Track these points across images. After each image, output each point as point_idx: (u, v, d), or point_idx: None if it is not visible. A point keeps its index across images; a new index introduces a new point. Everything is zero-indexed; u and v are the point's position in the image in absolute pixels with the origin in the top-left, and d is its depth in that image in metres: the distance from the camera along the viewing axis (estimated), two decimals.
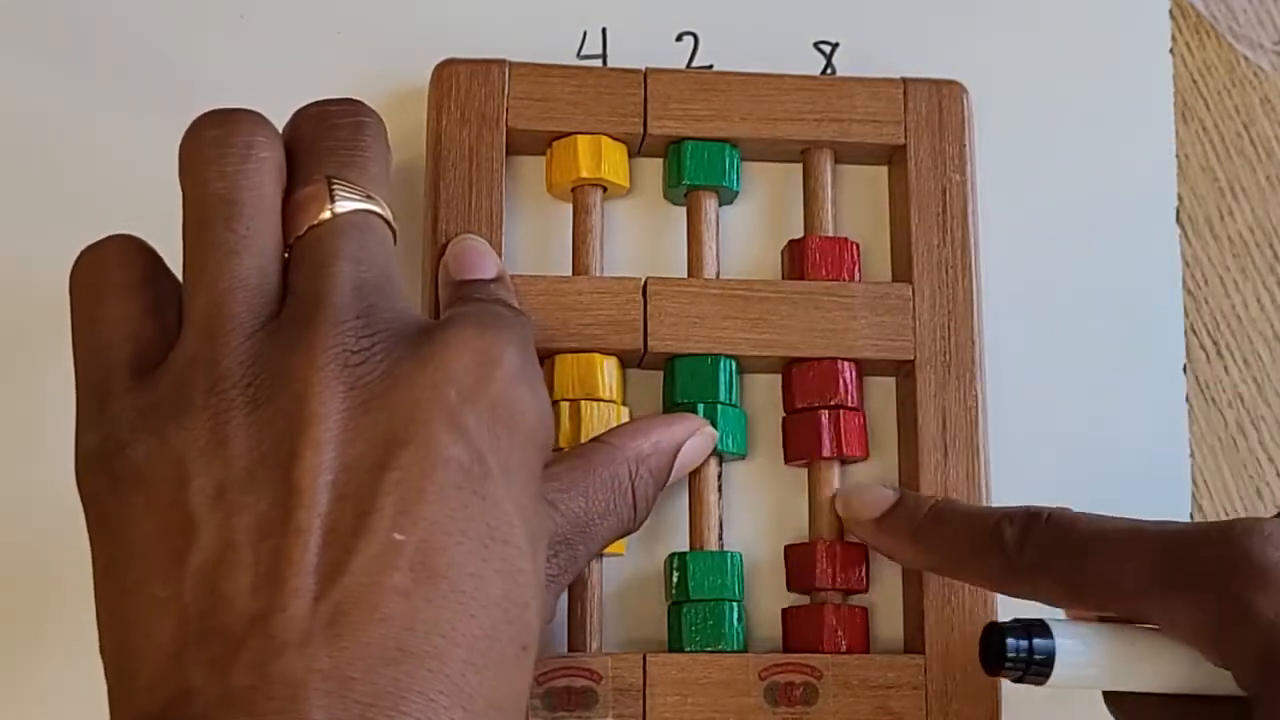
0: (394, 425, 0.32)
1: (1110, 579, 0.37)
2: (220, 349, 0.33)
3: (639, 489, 0.41)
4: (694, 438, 0.43)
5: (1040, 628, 0.36)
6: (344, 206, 0.35)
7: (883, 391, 0.47)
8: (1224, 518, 0.48)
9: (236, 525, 0.31)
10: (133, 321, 0.35)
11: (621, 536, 0.41)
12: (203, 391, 0.32)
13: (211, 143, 0.35)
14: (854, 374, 0.46)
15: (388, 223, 0.37)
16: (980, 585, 0.43)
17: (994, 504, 0.45)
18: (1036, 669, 0.36)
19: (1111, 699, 0.39)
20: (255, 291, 0.34)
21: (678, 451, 0.43)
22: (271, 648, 0.30)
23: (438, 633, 0.31)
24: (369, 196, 0.36)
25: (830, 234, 0.47)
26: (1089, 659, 0.37)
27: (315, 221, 0.35)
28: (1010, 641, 0.36)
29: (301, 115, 0.38)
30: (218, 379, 0.32)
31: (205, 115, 0.36)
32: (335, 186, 0.36)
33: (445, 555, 0.32)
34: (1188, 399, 0.49)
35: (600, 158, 0.46)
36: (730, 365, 0.45)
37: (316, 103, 0.38)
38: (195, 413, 0.32)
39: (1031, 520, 0.38)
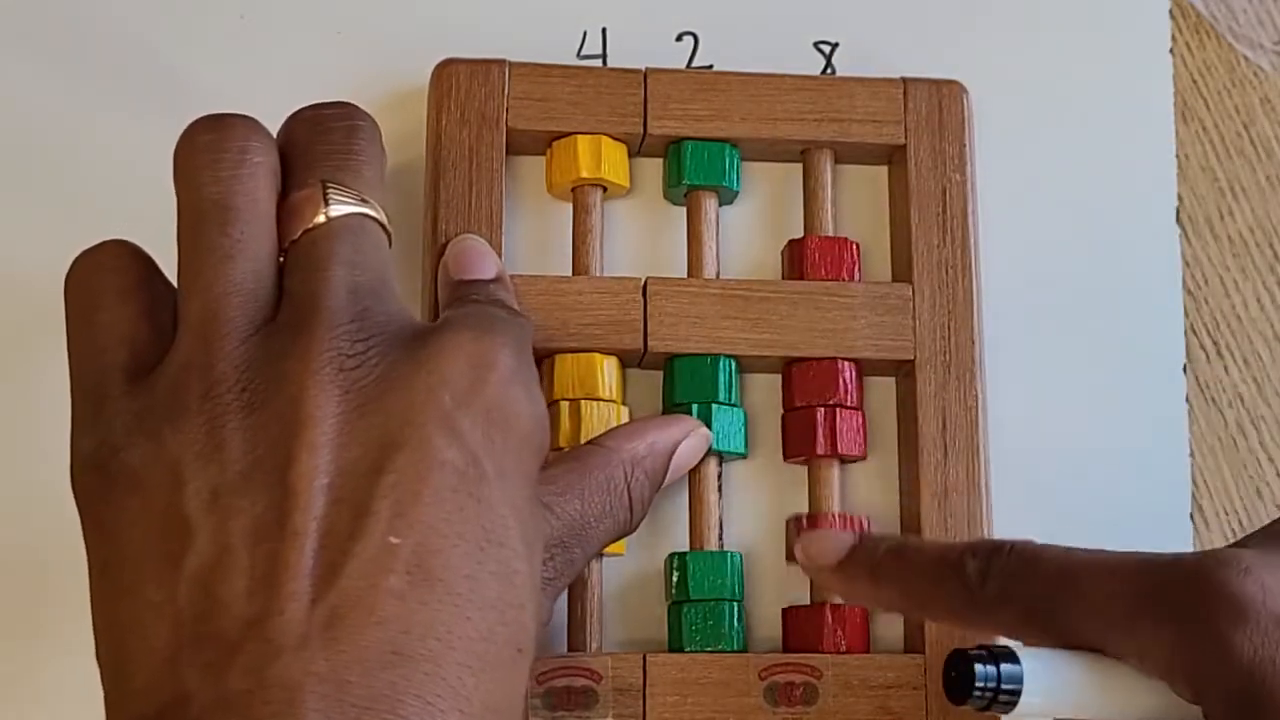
0: (389, 429, 0.32)
1: (1080, 611, 0.35)
2: (215, 353, 0.33)
3: (635, 491, 0.41)
4: (689, 439, 0.43)
5: (1007, 654, 0.35)
6: (338, 210, 0.35)
7: (883, 391, 0.47)
8: (1224, 518, 0.48)
9: (232, 529, 0.31)
10: (128, 326, 0.35)
11: (618, 539, 0.41)
12: (198, 396, 0.32)
13: (206, 148, 0.35)
14: (854, 373, 0.46)
15: (382, 226, 0.37)
16: (941, 620, 0.41)
17: (994, 505, 0.45)
18: (1005, 697, 0.35)
19: None
20: (250, 296, 0.34)
21: (673, 453, 0.43)
22: (268, 651, 0.30)
23: (434, 635, 0.31)
24: (363, 200, 0.36)
25: (830, 234, 0.47)
26: (1056, 687, 0.35)
27: (310, 225, 0.35)
28: (979, 669, 0.34)
29: (295, 120, 0.38)
30: (213, 383, 0.32)
31: (199, 121, 0.36)
32: (330, 190, 0.36)
33: (441, 558, 0.31)
34: (1188, 399, 0.49)
35: (600, 158, 0.46)
36: (730, 365, 0.45)
37: (310, 107, 0.38)
38: (190, 417, 0.32)
39: (995, 552, 0.37)
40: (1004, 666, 0.35)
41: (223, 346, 0.33)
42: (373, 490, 0.31)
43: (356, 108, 0.38)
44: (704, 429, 0.44)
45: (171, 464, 0.32)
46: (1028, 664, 0.35)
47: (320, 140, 0.37)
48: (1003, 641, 0.37)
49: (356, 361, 0.33)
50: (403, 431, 0.32)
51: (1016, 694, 0.35)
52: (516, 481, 0.34)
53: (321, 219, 0.35)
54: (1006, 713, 0.35)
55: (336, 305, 0.34)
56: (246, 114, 0.36)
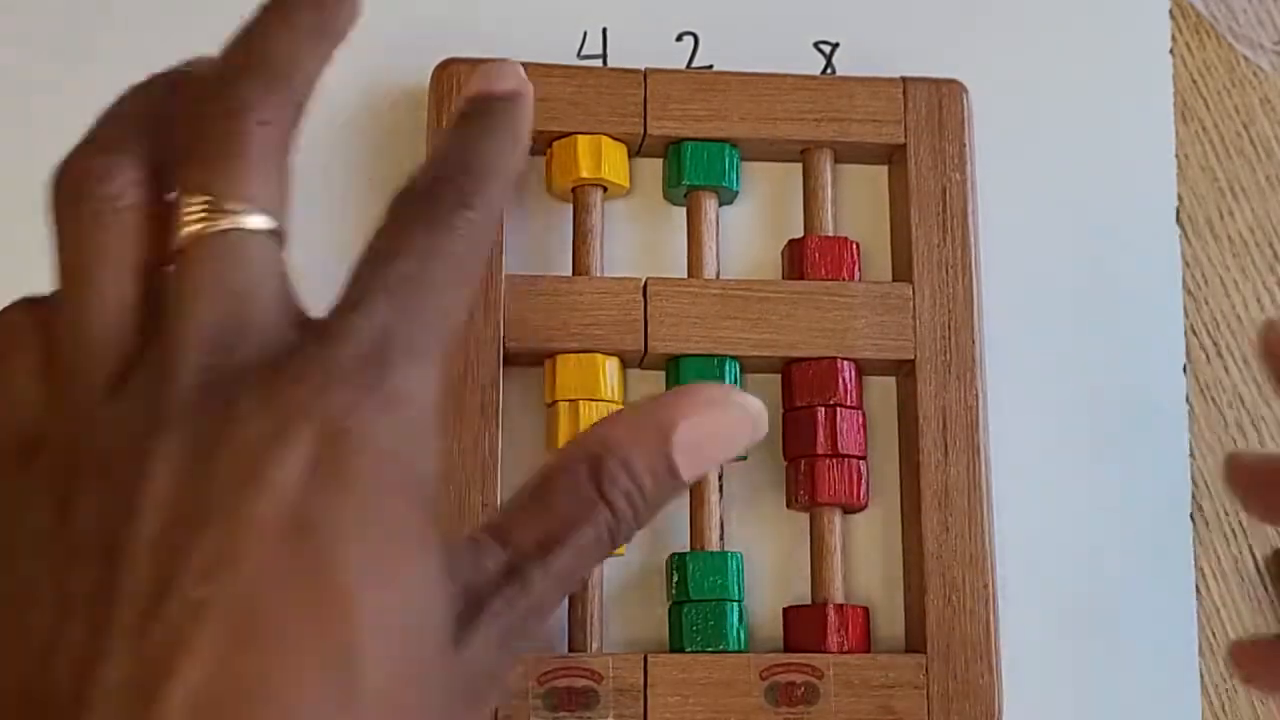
0: (222, 482, 0.30)
1: None
2: (66, 419, 0.32)
3: (609, 489, 0.32)
4: (707, 411, 0.32)
5: None
6: (199, 228, 0.32)
7: (883, 391, 0.47)
8: (1224, 518, 0.48)
9: (68, 598, 0.30)
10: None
11: (611, 549, 0.32)
12: (48, 466, 0.32)
13: (67, 198, 0.33)
14: (854, 373, 0.46)
15: (269, 231, 0.32)
16: None
17: (994, 505, 0.45)
18: None
19: None
20: (101, 355, 0.31)
21: (669, 434, 0.32)
22: None
23: (259, 694, 0.28)
24: (230, 211, 0.32)
25: (830, 234, 0.47)
26: None
27: (176, 246, 0.31)
28: None
29: (183, 93, 0.34)
30: (60, 450, 0.32)
31: (73, 153, 0.33)
32: (190, 208, 0.32)
33: (266, 615, 0.29)
34: (1188, 399, 0.49)
35: (600, 158, 0.46)
36: (733, 366, 0.45)
37: (198, 78, 0.34)
38: (39, 486, 0.32)
39: None
40: None
41: (74, 412, 0.32)
42: (189, 548, 0.30)
43: (248, 75, 0.33)
44: (737, 396, 0.33)
45: (17, 529, 0.31)
46: None
47: (194, 136, 0.32)
48: None
49: (199, 415, 0.30)
50: (234, 485, 0.29)
51: None
52: (377, 532, 0.30)
53: (185, 239, 0.32)
54: None
55: (183, 362, 0.31)
56: (121, 123, 0.33)
